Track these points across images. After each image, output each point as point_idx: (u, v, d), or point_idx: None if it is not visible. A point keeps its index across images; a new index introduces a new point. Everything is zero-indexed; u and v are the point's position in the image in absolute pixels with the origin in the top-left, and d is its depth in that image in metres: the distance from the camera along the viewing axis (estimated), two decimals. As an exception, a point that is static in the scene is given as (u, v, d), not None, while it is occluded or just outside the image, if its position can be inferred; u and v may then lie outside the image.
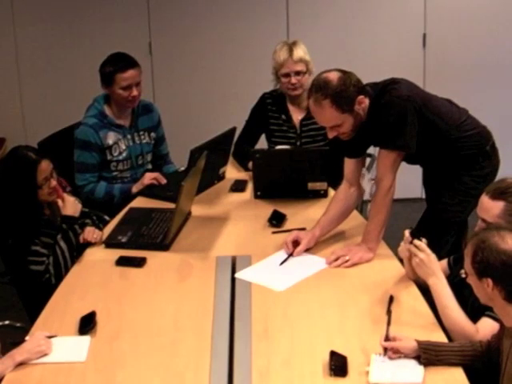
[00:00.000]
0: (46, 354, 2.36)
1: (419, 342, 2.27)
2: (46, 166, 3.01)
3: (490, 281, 2.10)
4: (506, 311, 2.15)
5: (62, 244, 3.06)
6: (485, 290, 2.13)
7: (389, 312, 2.37)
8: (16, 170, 2.99)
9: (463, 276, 2.46)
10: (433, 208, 3.43)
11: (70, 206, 3.17)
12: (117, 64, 3.74)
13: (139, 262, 3.01)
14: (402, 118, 2.97)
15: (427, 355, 2.25)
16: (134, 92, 3.76)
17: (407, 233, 2.67)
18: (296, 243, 3.04)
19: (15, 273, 3.06)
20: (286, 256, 3.02)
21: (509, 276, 2.07)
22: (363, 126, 3.01)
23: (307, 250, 3.06)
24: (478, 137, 3.29)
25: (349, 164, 3.19)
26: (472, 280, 2.18)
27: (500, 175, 2.60)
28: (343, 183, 3.21)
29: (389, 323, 2.36)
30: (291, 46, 3.87)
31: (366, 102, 2.97)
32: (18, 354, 2.34)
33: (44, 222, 3.07)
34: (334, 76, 2.91)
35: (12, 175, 2.99)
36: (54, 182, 3.05)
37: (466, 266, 2.22)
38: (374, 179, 3.22)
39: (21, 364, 2.32)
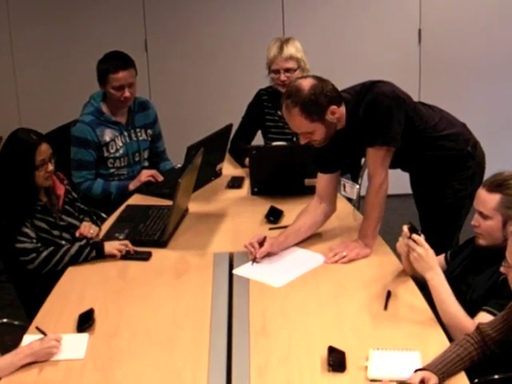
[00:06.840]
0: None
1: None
2: (45, 148, 3.03)
3: None
4: None
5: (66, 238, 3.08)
6: None
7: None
8: (16, 149, 3.01)
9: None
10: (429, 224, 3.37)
11: (87, 229, 3.21)
12: (110, 63, 3.74)
13: (146, 256, 3.04)
14: (388, 113, 2.95)
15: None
16: (126, 93, 3.74)
17: (406, 228, 2.67)
18: (261, 245, 2.99)
19: (2, 252, 3.05)
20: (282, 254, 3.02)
21: None
22: (340, 136, 2.98)
23: (299, 245, 3.07)
24: (456, 136, 3.26)
25: (321, 180, 3.15)
26: None
27: (496, 170, 2.60)
28: (314, 198, 3.17)
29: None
30: (283, 43, 3.86)
31: (341, 110, 2.93)
32: (30, 354, 2.31)
33: (40, 208, 3.07)
34: (306, 84, 2.86)
35: (12, 154, 3.02)
36: (50, 167, 3.06)
37: None
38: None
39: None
